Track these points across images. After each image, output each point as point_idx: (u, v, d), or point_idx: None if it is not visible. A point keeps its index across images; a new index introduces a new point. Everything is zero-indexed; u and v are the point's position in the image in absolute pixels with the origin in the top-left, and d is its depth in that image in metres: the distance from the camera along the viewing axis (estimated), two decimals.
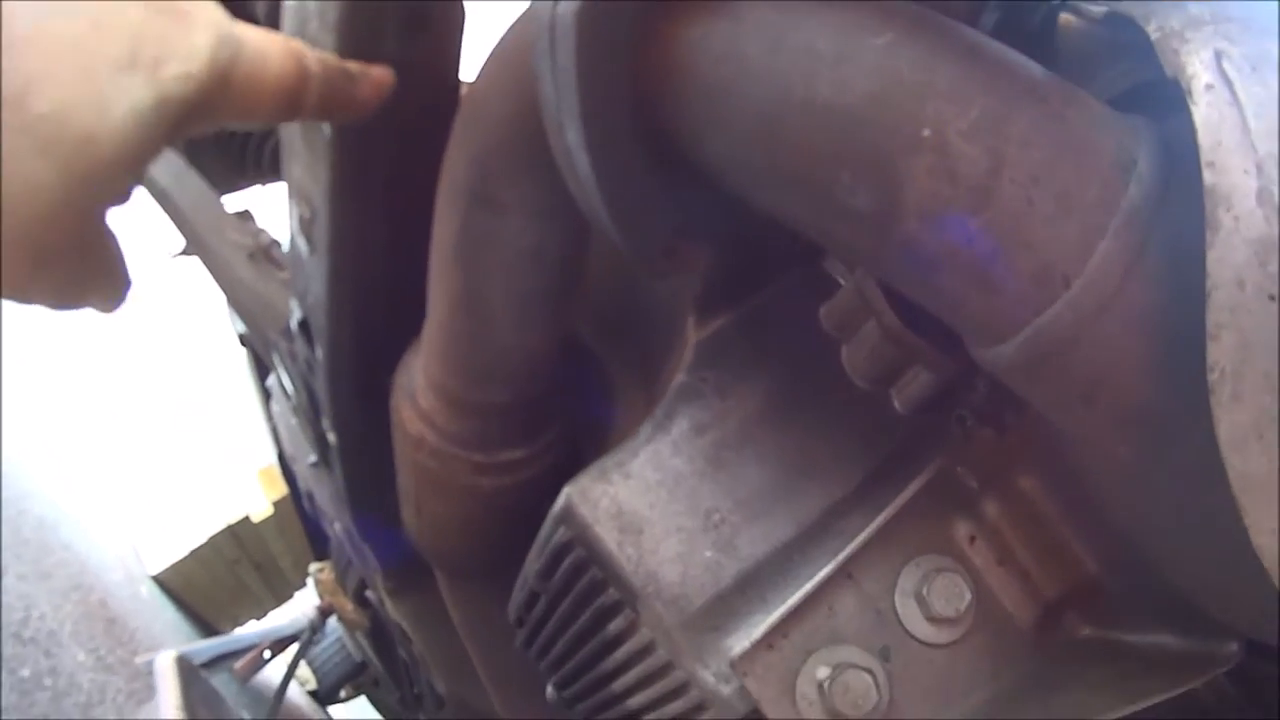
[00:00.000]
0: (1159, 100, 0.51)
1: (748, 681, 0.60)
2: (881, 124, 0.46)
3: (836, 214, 0.49)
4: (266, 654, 2.30)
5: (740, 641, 0.62)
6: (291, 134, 0.89)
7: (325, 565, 2.16)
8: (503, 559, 0.99)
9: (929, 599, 0.63)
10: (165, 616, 2.70)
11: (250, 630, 2.70)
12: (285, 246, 1.55)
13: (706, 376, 0.71)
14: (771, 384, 0.71)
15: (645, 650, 0.66)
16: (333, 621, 2.57)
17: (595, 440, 0.88)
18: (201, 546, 2.78)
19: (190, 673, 1.41)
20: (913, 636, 0.63)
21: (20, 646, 1.99)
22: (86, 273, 0.60)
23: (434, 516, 0.94)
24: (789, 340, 0.71)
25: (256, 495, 2.80)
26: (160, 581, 2.78)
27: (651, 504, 0.66)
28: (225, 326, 2.34)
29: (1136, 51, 0.57)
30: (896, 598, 0.64)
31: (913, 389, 0.65)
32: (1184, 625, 0.63)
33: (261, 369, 2.40)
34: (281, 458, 2.46)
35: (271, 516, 2.79)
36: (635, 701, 0.70)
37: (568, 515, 0.67)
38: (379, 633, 2.13)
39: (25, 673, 1.94)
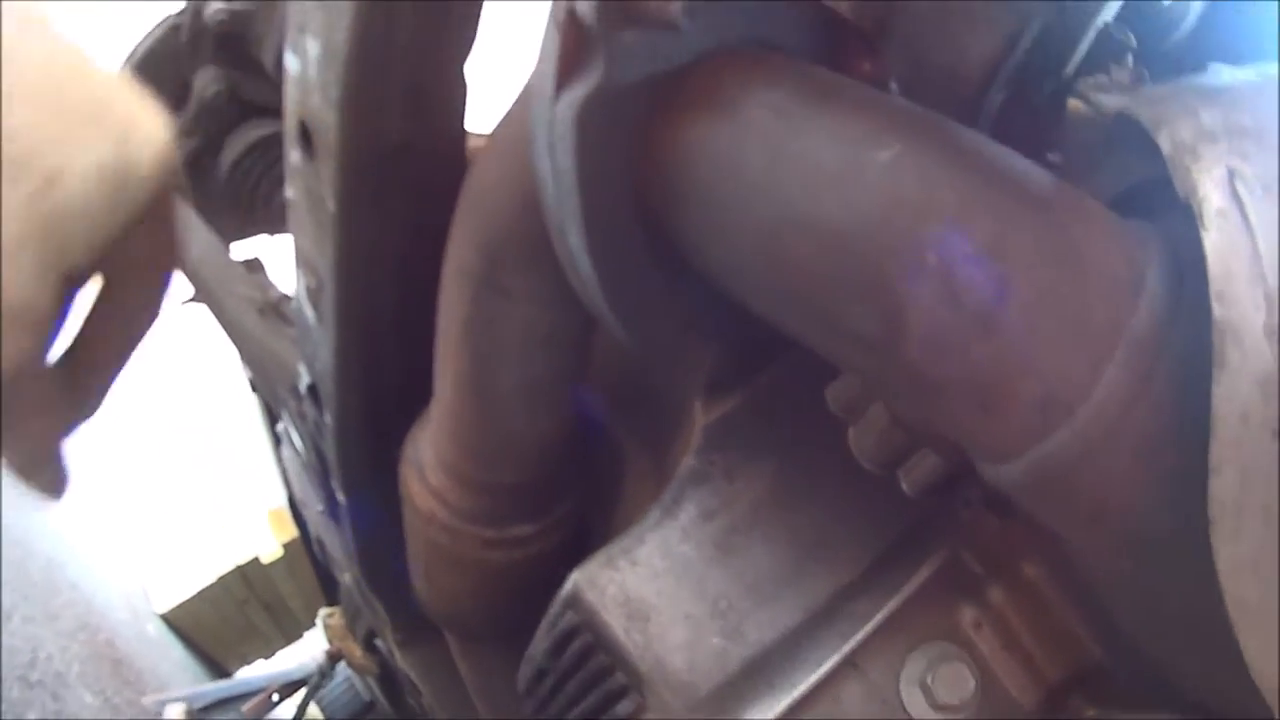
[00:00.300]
0: (1165, 197, 0.51)
1: None
2: (884, 247, 0.45)
3: (838, 334, 0.49)
4: (275, 697, 2.30)
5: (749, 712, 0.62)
6: (297, 205, 0.89)
7: (335, 611, 2.15)
8: (514, 626, 0.99)
9: (933, 687, 0.63)
10: (173, 655, 2.69)
11: (259, 672, 2.70)
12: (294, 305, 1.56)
13: (715, 459, 0.71)
14: (780, 466, 0.71)
15: None
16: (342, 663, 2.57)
17: (604, 513, 0.88)
18: (210, 586, 2.78)
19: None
20: None
21: (27, 690, 1.98)
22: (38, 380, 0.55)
23: (444, 587, 0.94)
24: (797, 421, 0.71)
25: (266, 536, 2.80)
26: (168, 620, 2.78)
27: (659, 591, 0.66)
28: (236, 369, 2.35)
29: (1144, 148, 0.57)
30: (902, 686, 0.64)
31: (920, 472, 0.65)
32: (1188, 709, 0.63)
33: (272, 413, 2.40)
34: (292, 501, 2.47)
35: (281, 558, 2.78)
36: None
37: (575, 600, 0.67)
38: (388, 679, 2.12)
39: (32, 717, 1.93)
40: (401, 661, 1.56)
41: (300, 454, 1.35)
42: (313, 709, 2.59)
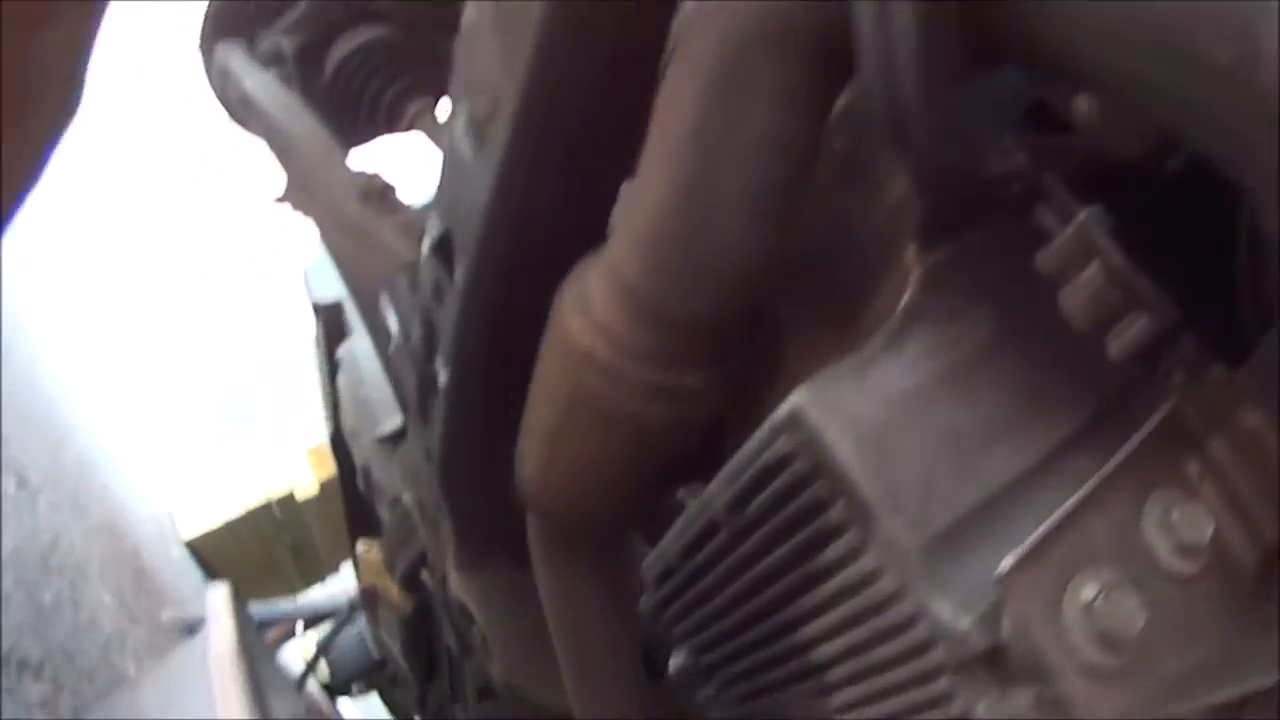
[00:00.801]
0: None
1: (1011, 600, 0.54)
2: None
3: (1187, 75, 0.46)
4: (299, 627, 2.23)
5: (983, 568, 0.56)
6: (477, 24, 0.84)
7: (373, 545, 2.10)
8: (632, 518, 0.92)
9: (1177, 526, 0.58)
10: (192, 581, 2.63)
11: (285, 603, 2.63)
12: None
13: (935, 301, 0.65)
14: (999, 315, 0.65)
15: (868, 579, 0.59)
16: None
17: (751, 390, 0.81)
18: (239, 518, 2.72)
19: (242, 611, 1.33)
20: (1160, 566, 0.58)
21: (44, 573, 1.92)
22: None
23: (572, 458, 0.86)
24: (1007, 279, 0.65)
25: (304, 473, 2.74)
26: (192, 548, 2.72)
27: (888, 417, 0.60)
28: (298, 297, 2.30)
29: None
30: (1144, 524, 0.58)
31: (1130, 336, 0.59)
32: None
33: (331, 340, 2.36)
34: (336, 437, 2.42)
35: (316, 496, 2.72)
36: (831, 648, 0.63)
37: (795, 422, 0.60)
38: (420, 622, 2.05)
39: (46, 598, 1.87)
40: (457, 586, 1.50)
41: (398, 342, 1.28)
42: (320, 663, 2.54)
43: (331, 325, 2.26)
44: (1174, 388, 0.61)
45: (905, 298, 0.65)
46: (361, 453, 2.13)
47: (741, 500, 0.66)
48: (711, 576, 0.71)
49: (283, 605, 2.33)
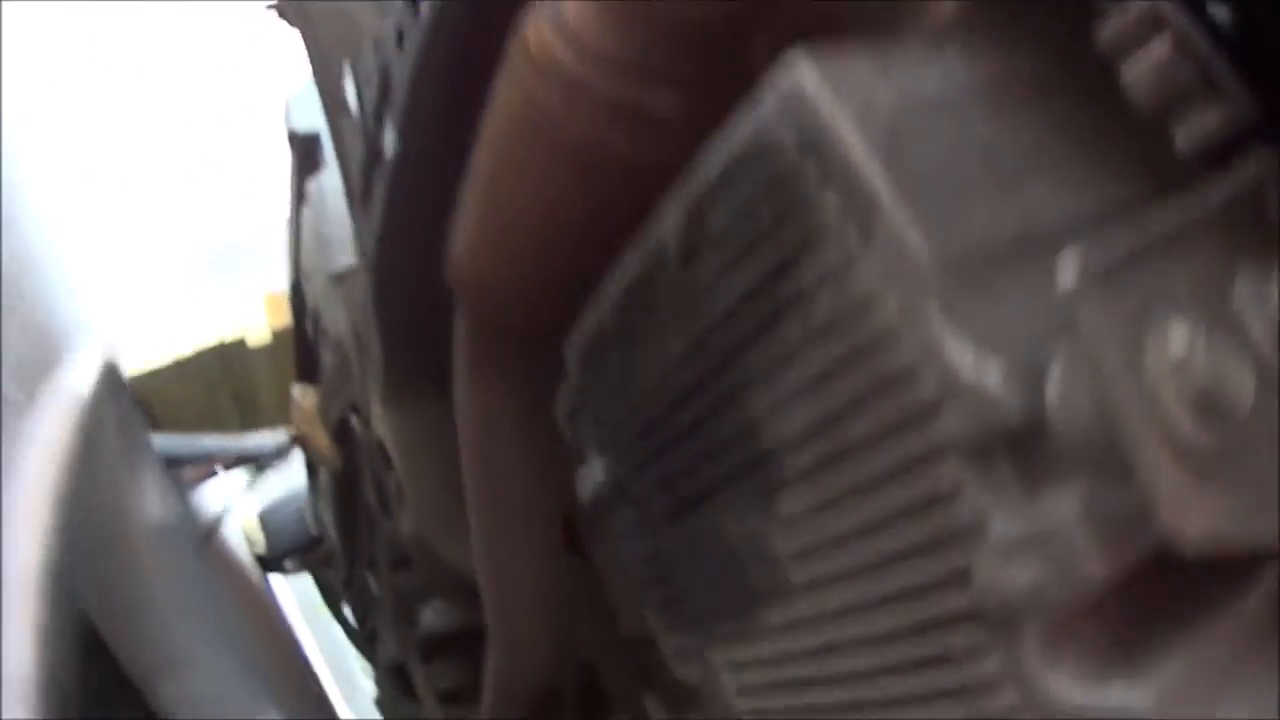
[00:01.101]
0: None
1: (1084, 312, 0.37)
2: None
3: None
4: (219, 467, 2.10)
5: (1022, 307, 0.40)
6: None
7: (310, 390, 1.98)
8: (569, 312, 0.78)
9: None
10: None
11: (207, 439, 2.50)
12: None
13: (983, 20, 0.50)
14: (1052, 65, 0.50)
15: (859, 305, 0.42)
16: (299, 487, 2.40)
17: None
18: (187, 359, 2.59)
19: (119, 381, 1.18)
20: (1255, 344, 0.40)
21: None
22: None
23: (511, 210, 0.72)
24: (1064, 38, 0.50)
25: (258, 320, 2.60)
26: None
27: (914, 113, 0.44)
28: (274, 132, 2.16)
29: None
30: (1236, 294, 0.41)
31: (1199, 125, 0.44)
32: None
33: (304, 173, 2.22)
34: (296, 283, 2.31)
35: (268, 345, 2.59)
36: (791, 423, 0.47)
37: (789, 99, 0.44)
38: (348, 481, 1.94)
39: None
40: (379, 425, 1.38)
41: (354, 117, 1.14)
42: (256, 530, 2.44)
43: (306, 157, 2.12)
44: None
45: (944, 7, 0.50)
46: (314, 294, 2.01)
47: (701, 210, 0.50)
48: (650, 336, 0.57)
49: (204, 441, 2.20)
